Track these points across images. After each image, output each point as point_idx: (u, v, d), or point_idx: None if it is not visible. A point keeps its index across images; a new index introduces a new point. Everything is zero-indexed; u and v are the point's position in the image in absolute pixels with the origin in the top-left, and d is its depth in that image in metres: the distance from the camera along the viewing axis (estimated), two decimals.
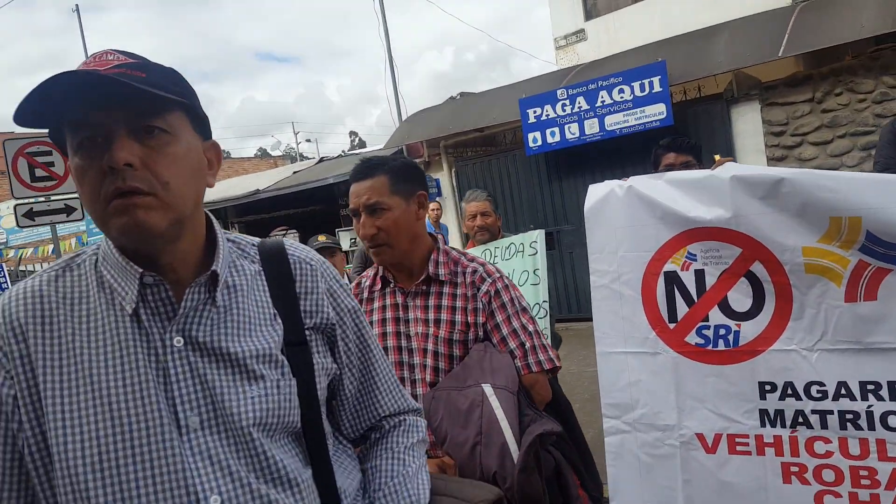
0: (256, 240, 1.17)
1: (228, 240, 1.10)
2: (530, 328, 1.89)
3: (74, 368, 0.94)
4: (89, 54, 0.96)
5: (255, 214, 13.15)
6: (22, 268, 16.88)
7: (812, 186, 2.09)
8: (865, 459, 2.06)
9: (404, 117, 11.58)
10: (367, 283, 1.98)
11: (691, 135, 7.37)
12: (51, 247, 16.23)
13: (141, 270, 0.96)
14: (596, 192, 2.55)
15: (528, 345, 1.84)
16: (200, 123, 1.03)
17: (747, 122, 7.45)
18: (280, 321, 1.07)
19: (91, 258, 1.03)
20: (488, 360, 1.78)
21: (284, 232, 12.67)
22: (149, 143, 0.93)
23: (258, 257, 1.11)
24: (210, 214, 1.09)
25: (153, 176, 0.92)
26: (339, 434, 1.20)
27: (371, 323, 1.89)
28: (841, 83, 6.93)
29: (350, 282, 2.14)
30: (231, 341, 1.00)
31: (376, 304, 1.94)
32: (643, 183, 2.47)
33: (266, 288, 1.09)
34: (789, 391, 2.20)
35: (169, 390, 0.95)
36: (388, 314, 1.90)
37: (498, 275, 1.92)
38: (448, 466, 1.70)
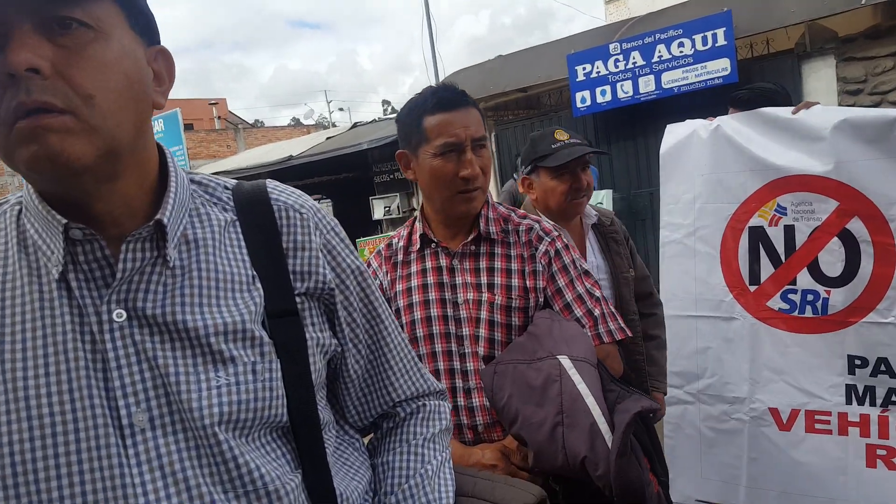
0: (232, 182, 0.93)
1: (193, 181, 0.89)
2: (597, 293, 1.65)
3: None
4: None
5: (288, 181, 12.96)
6: None
7: None
8: None
9: (441, 77, 11.11)
10: (401, 244, 1.73)
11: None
12: None
13: (65, 221, 0.75)
14: (676, 133, 2.34)
15: (597, 312, 1.62)
16: (142, 22, 0.79)
17: (820, 80, 6.80)
18: (260, 286, 0.86)
19: (13, 209, 0.83)
20: (559, 329, 1.52)
21: (318, 200, 12.45)
22: (63, 43, 0.70)
23: (232, 204, 0.89)
24: (163, 146, 0.85)
25: (70, 87, 0.70)
26: (344, 422, 1.02)
27: (409, 290, 1.65)
28: None
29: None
30: (190, 313, 0.79)
31: (414, 268, 1.68)
32: (732, 125, 2.22)
33: (242, 243, 0.87)
34: (883, 367, 1.99)
35: (108, 379, 0.76)
36: (431, 279, 1.65)
37: (557, 233, 1.68)
38: (511, 452, 1.51)
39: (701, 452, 2.28)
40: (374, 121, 14.66)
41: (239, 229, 0.88)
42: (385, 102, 54.72)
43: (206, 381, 0.78)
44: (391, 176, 11.59)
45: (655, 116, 7.41)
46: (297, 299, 0.88)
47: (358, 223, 10.97)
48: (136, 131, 0.77)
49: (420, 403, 1.06)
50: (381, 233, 11.25)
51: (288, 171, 12.68)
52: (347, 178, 12.66)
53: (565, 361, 1.44)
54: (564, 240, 1.69)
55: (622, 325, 1.67)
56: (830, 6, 6.49)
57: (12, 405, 0.73)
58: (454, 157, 1.55)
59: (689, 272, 2.28)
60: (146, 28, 0.80)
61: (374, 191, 11.84)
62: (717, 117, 2.27)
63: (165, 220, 0.79)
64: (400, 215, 11.31)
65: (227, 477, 0.78)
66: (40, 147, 0.68)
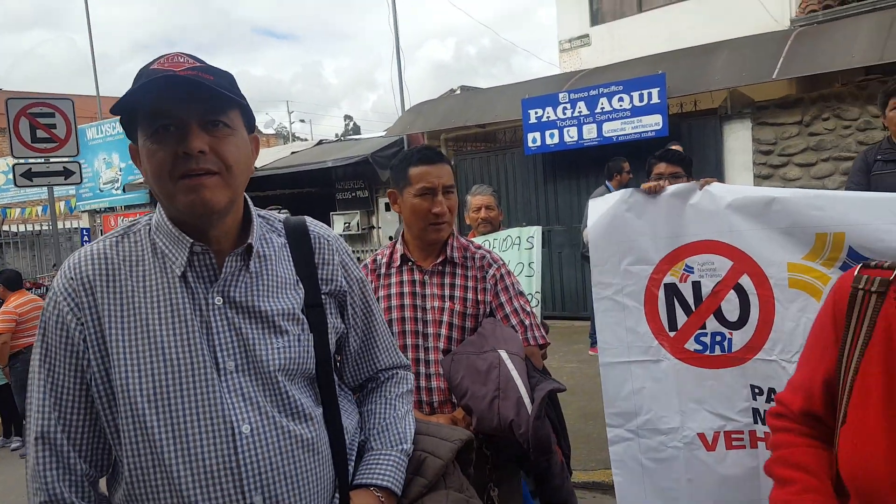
0: (282, 216, 1.37)
1: (259, 216, 1.28)
2: (528, 309, 2.18)
3: (134, 319, 1.13)
4: (162, 55, 1.16)
5: (248, 192, 13.17)
6: (6, 228, 16.75)
7: (801, 205, 2.26)
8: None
9: (406, 104, 11.79)
10: (384, 261, 2.20)
11: (684, 148, 7.67)
12: (39, 208, 16.23)
13: (192, 241, 1.15)
14: (598, 207, 2.73)
15: (527, 322, 2.14)
16: (250, 120, 1.23)
17: (738, 140, 7.75)
18: (301, 286, 1.26)
19: (145, 227, 1.22)
20: (500, 332, 2.06)
21: (278, 210, 12.80)
22: (215, 134, 1.12)
23: (284, 231, 1.30)
24: (246, 195, 1.26)
25: (220, 160, 1.12)
26: (342, 382, 1.42)
27: (389, 296, 2.13)
28: (829, 108, 7.25)
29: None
30: (261, 301, 1.19)
31: (394, 279, 2.15)
32: (645, 198, 2.63)
33: (290, 258, 1.27)
34: (772, 395, 2.39)
35: (210, 340, 1.14)
36: (406, 289, 2.13)
37: (502, 261, 2.22)
38: (458, 420, 1.97)
39: (644, 482, 2.56)
40: (339, 139, 15.14)
41: (289, 249, 1.29)
42: (347, 118, 53.97)
43: (271, 344, 1.18)
44: (353, 194, 12.07)
45: (596, 160, 8.24)
46: (323, 297, 1.29)
47: None
48: (243, 187, 1.20)
49: (394, 371, 1.49)
50: None
51: (250, 182, 13.00)
52: (310, 192, 13.05)
53: (503, 354, 1.96)
54: (507, 267, 2.26)
55: (544, 334, 2.20)
56: (749, 77, 7.46)
57: (153, 352, 1.11)
58: (429, 198, 2.05)
59: (620, 323, 2.58)
60: (250, 124, 1.23)
61: (336, 206, 12.30)
62: (632, 189, 2.66)
63: (254, 244, 1.21)
64: (359, 232, 11.78)
65: (281, 404, 1.17)
66: (197, 196, 1.10)
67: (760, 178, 7.62)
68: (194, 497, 1.09)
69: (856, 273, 1.06)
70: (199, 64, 1.13)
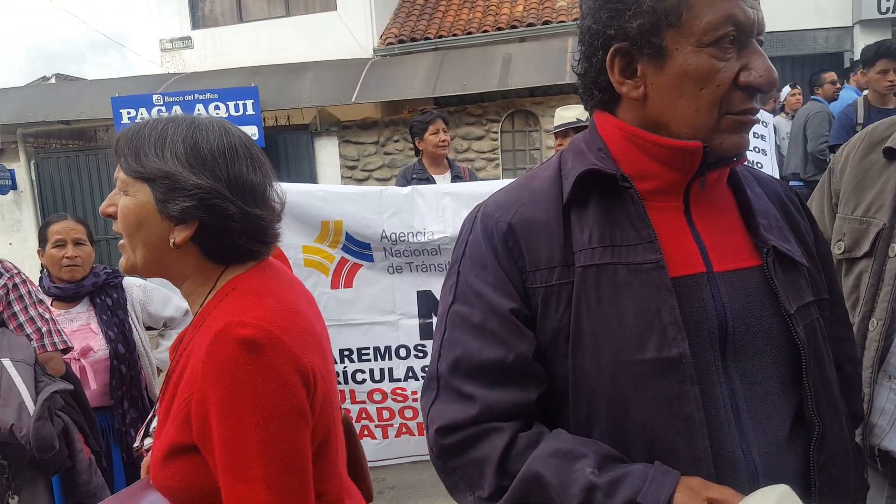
0: None
1: None
2: (47, 316, 2.26)
3: None
4: None
5: None
6: None
7: (307, 196, 2.76)
8: (344, 404, 2.84)
9: None
10: None
11: (281, 159, 8.28)
12: None
13: None
14: None
15: (44, 329, 2.23)
16: None
17: (328, 154, 8.66)
18: None
19: None
20: (6, 341, 2.13)
21: None
22: None
23: None
24: None
25: None
26: None
27: None
28: (398, 132, 8.60)
29: None
30: None
31: None
32: None
33: None
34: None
35: None
36: None
37: (16, 270, 2.26)
38: None
39: None
40: None
41: None
42: None
43: None
44: None
45: None
46: None
47: None
48: None
49: None
50: None
51: None
52: None
53: (7, 362, 2.04)
54: (23, 276, 2.27)
55: (65, 339, 2.31)
56: (332, 98, 8.40)
57: None
58: None
59: None
60: None
61: None
62: None
63: None
64: None
65: None
66: None
67: None
68: None
69: None
70: None
